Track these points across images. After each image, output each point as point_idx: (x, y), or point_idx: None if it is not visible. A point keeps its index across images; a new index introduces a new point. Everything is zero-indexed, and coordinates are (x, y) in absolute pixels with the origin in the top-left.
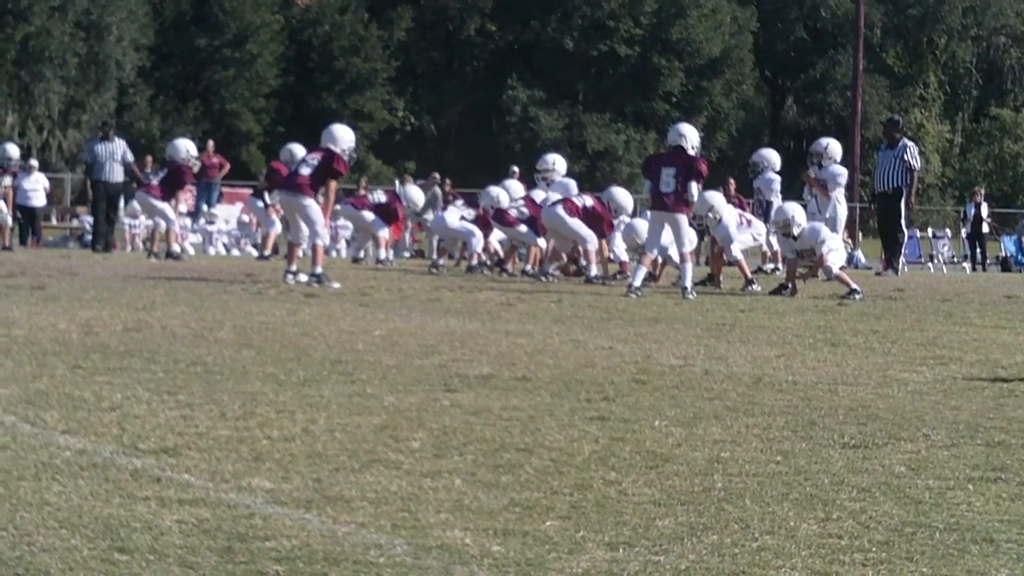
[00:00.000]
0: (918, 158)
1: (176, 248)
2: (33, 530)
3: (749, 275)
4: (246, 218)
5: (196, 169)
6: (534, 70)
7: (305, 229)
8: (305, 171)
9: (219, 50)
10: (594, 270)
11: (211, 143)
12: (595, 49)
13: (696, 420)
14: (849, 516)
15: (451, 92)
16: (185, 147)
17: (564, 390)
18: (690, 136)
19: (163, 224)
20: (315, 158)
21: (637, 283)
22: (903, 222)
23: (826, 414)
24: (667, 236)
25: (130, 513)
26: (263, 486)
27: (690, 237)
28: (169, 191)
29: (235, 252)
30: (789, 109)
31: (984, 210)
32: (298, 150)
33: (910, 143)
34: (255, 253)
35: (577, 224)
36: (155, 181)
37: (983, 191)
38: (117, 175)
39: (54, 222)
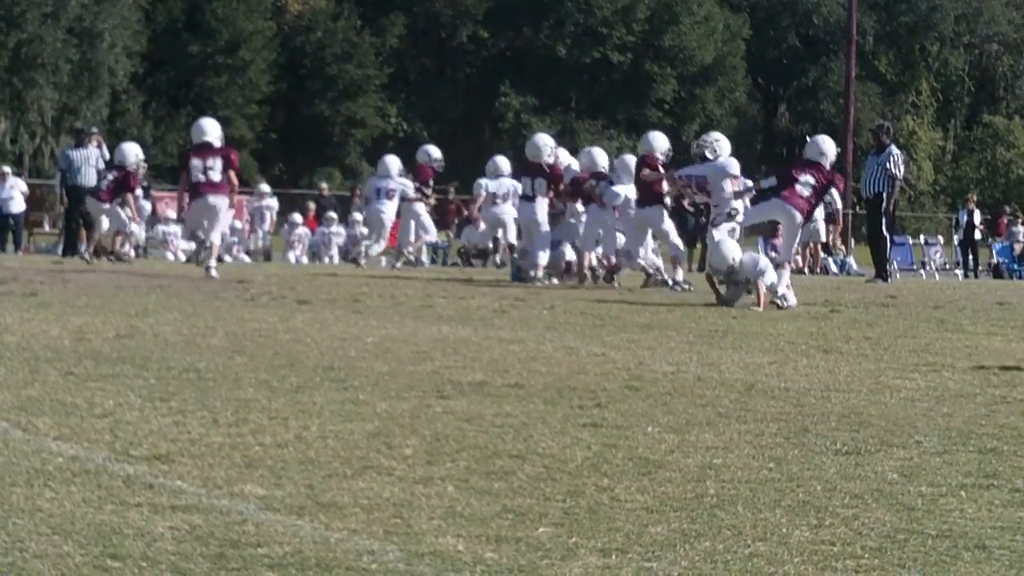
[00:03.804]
0: (901, 165)
1: (125, 249)
2: (25, 536)
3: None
4: (238, 224)
5: (143, 173)
6: (527, 77)
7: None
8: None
9: (212, 56)
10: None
11: None
12: (588, 56)
13: (689, 426)
14: (842, 523)
15: (444, 99)
16: (134, 152)
17: (557, 397)
18: (830, 154)
19: (105, 225)
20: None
21: (780, 289)
22: (884, 228)
23: (818, 420)
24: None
25: (122, 519)
26: (256, 492)
27: (796, 240)
28: (116, 194)
29: (227, 258)
30: (781, 116)
31: (976, 217)
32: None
33: (895, 150)
34: (248, 260)
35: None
36: (104, 186)
37: (975, 198)
38: (92, 180)
39: (46, 228)
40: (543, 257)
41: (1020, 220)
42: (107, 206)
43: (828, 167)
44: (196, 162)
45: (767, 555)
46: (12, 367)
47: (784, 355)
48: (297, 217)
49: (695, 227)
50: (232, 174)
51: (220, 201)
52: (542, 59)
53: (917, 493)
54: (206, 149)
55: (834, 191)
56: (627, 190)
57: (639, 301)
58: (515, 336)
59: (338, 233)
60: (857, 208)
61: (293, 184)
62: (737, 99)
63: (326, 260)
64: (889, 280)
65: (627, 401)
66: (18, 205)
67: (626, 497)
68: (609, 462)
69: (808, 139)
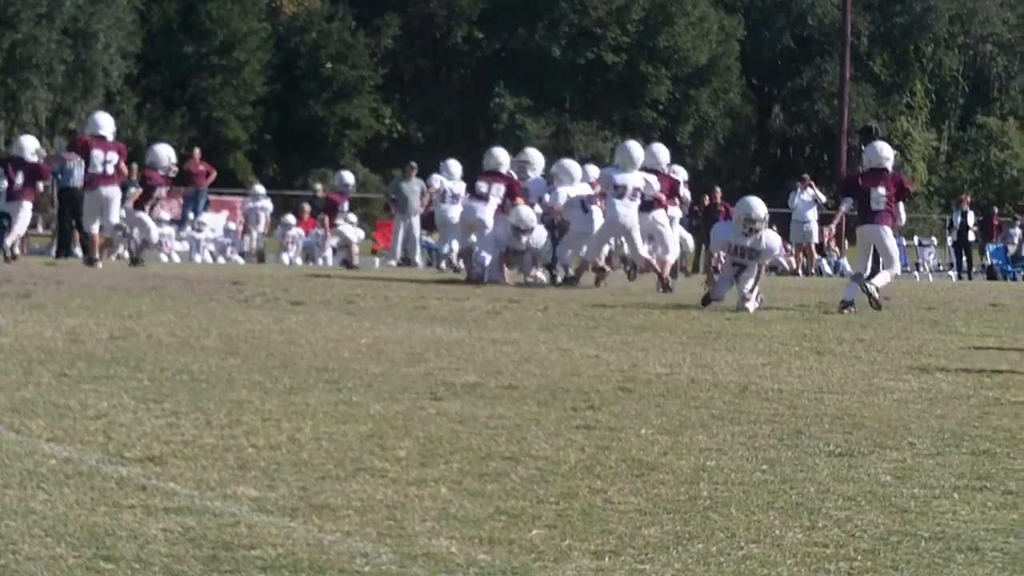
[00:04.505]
0: None
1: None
2: (18, 539)
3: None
4: (232, 226)
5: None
6: (521, 78)
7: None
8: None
9: (206, 57)
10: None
11: (197, 151)
12: (582, 57)
13: (682, 428)
14: (835, 525)
15: (438, 100)
16: (167, 154)
17: (550, 398)
18: (891, 157)
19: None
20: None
21: (879, 284)
22: None
23: (812, 422)
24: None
25: (115, 521)
26: (249, 494)
27: (897, 252)
28: (147, 199)
29: (221, 260)
30: (776, 117)
31: (970, 218)
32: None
33: None
34: (242, 261)
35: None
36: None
37: (969, 199)
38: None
39: (40, 230)
40: (488, 257)
41: (1019, 222)
42: (144, 215)
43: (891, 169)
44: (98, 153)
45: (760, 557)
46: (5, 369)
47: (778, 357)
48: (291, 218)
49: (690, 228)
50: (123, 167)
51: (113, 192)
52: (537, 60)
53: (910, 495)
54: (103, 142)
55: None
56: (571, 191)
57: (633, 303)
58: (509, 338)
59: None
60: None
61: (287, 185)
62: (731, 100)
63: (320, 261)
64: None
65: (620, 403)
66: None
67: (619, 499)
68: (602, 464)
69: (864, 147)
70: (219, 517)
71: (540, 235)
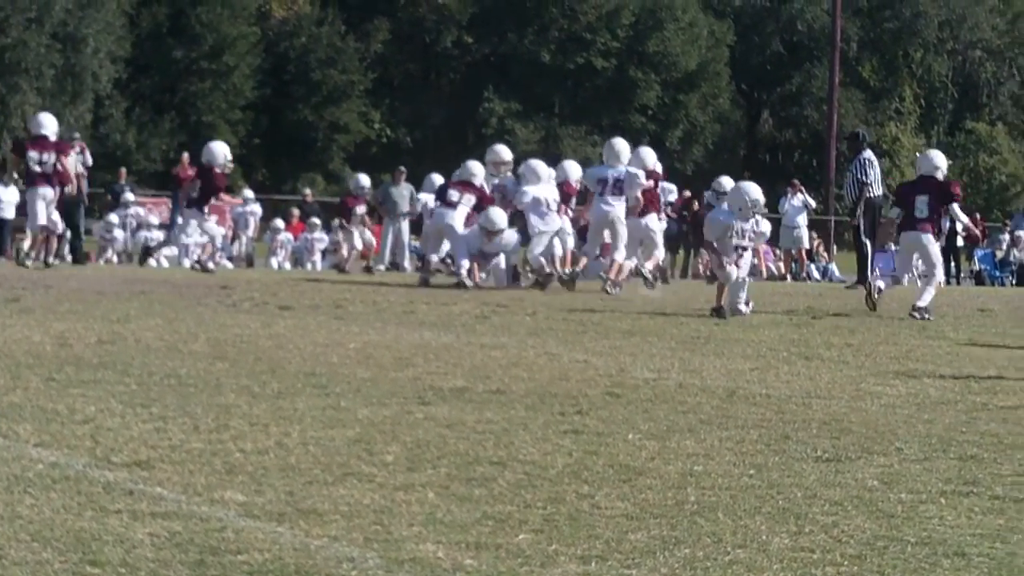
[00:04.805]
0: (868, 170)
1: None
2: (5, 543)
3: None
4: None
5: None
6: (511, 82)
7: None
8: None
9: (196, 62)
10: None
11: (186, 155)
12: (572, 62)
13: (669, 433)
14: (821, 530)
15: (428, 104)
16: (223, 152)
17: (538, 403)
18: (942, 166)
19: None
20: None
21: (923, 303)
22: (862, 234)
23: (799, 428)
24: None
25: (102, 526)
26: (236, 499)
27: (940, 259)
28: (206, 200)
29: (210, 265)
30: (765, 122)
31: (959, 225)
32: None
33: (865, 156)
34: (230, 265)
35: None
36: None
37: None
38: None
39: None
40: (465, 262)
41: (1007, 227)
42: (206, 217)
43: (942, 178)
44: (33, 154)
45: (747, 562)
46: None
47: (766, 362)
48: (279, 223)
49: (678, 233)
50: (65, 164)
51: (47, 192)
52: (526, 65)
53: (897, 500)
54: (43, 142)
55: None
56: (537, 191)
57: (621, 308)
58: (497, 342)
59: (320, 239)
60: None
61: (276, 190)
62: (720, 105)
63: (309, 266)
64: (864, 287)
65: (608, 408)
66: (9, 212)
67: (606, 504)
68: (590, 469)
69: (919, 155)
70: (206, 522)
71: (511, 237)
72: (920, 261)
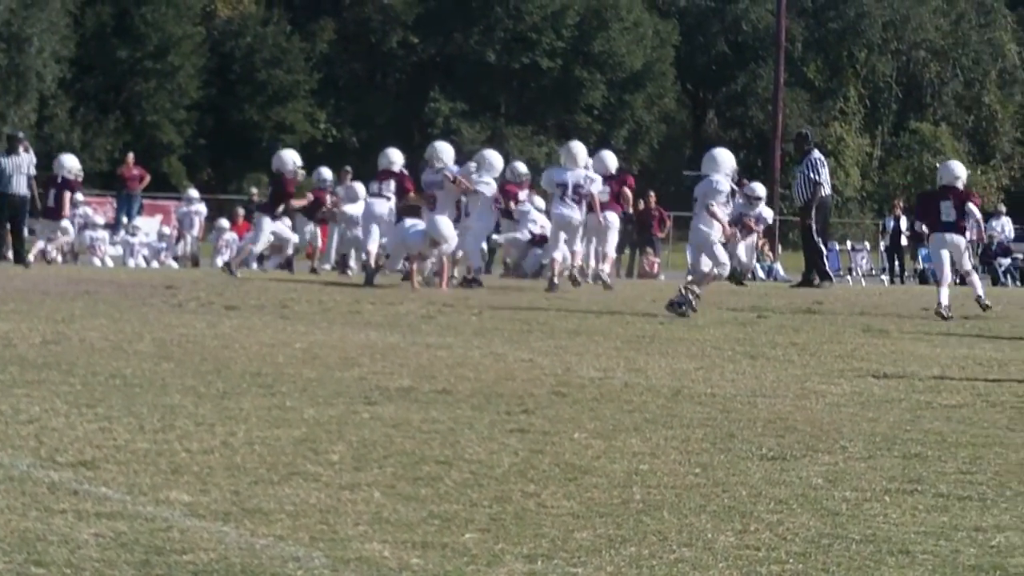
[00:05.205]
0: (820, 170)
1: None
2: None
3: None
4: (166, 230)
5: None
6: (456, 82)
7: None
8: None
9: (140, 62)
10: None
11: (131, 155)
12: (517, 62)
13: (615, 432)
14: (766, 528)
15: (373, 104)
16: (291, 158)
17: (484, 403)
18: (963, 175)
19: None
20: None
21: (981, 292)
22: (814, 234)
23: (744, 426)
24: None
25: (47, 526)
26: (181, 499)
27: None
28: (277, 204)
29: (155, 264)
30: (710, 122)
31: (903, 223)
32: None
33: (814, 156)
34: (175, 265)
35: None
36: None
37: (902, 204)
38: (23, 188)
39: None
40: (397, 251)
41: None
42: (277, 221)
43: (962, 187)
44: None
45: (692, 560)
46: None
47: (711, 361)
48: (224, 222)
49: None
50: None
51: None
52: (472, 65)
53: (842, 498)
54: None
55: (765, 208)
56: (489, 188)
57: (567, 308)
58: (443, 342)
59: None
60: (784, 214)
61: (222, 189)
62: (666, 105)
63: (254, 266)
64: (832, 282)
65: (554, 407)
66: None
67: (552, 503)
68: (536, 468)
69: (939, 165)
70: (151, 522)
71: (452, 242)
72: (951, 260)
